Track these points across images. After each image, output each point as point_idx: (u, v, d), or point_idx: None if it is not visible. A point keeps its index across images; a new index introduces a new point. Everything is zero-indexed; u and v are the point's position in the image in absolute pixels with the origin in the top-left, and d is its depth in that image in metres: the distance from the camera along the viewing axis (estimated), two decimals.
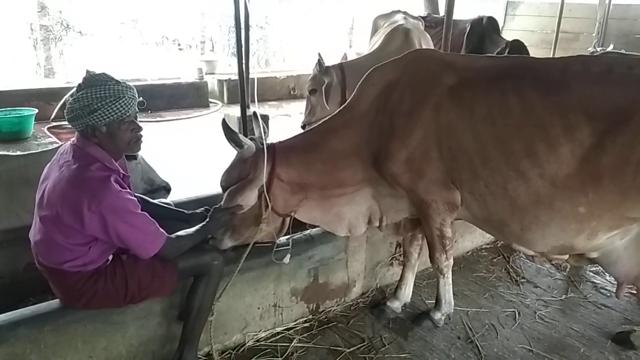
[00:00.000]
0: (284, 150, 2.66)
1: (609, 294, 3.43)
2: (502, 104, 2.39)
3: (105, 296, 2.19)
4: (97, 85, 2.03)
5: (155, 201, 2.63)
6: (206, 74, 9.49)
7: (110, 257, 2.23)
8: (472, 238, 3.99)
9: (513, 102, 2.37)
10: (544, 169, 2.29)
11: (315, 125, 2.93)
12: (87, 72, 2.09)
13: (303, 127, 4.82)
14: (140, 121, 2.23)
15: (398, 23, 5.52)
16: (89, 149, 2.09)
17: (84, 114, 2.02)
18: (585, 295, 3.43)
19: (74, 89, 2.08)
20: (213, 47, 11.30)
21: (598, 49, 7.88)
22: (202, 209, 2.62)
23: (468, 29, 7.14)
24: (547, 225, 2.40)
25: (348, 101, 2.80)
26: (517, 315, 3.17)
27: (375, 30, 6.14)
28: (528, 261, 3.86)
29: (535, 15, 11.62)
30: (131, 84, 2.17)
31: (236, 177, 2.58)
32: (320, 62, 4.82)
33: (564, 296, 3.42)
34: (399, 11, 6.07)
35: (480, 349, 2.85)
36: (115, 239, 2.07)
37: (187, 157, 5.77)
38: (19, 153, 3.19)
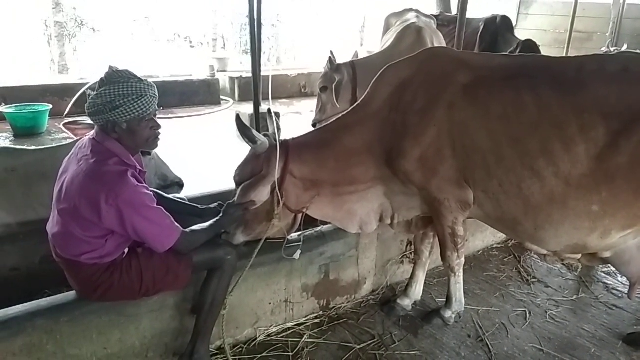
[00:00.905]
0: (297, 147, 2.67)
1: (620, 295, 3.42)
2: (517, 103, 2.39)
3: (121, 288, 2.22)
4: (120, 82, 2.06)
5: (169, 196, 2.66)
6: (218, 71, 9.53)
7: (126, 250, 2.26)
8: (483, 237, 3.99)
9: (528, 101, 2.36)
10: (558, 168, 2.29)
11: (329, 122, 2.94)
12: (110, 67, 2.12)
13: (314, 125, 4.84)
14: None
15: (410, 21, 5.52)
16: (108, 144, 2.12)
17: (106, 110, 2.05)
18: (596, 296, 3.42)
19: (96, 84, 2.11)
20: (224, 45, 11.36)
21: (612, 49, 7.82)
22: (215, 204, 2.64)
23: (481, 27, 7.11)
24: (560, 224, 2.40)
25: (362, 99, 2.80)
26: (527, 315, 3.17)
27: (387, 28, 6.14)
28: (539, 261, 3.85)
29: (548, 15, 11.55)
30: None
31: (249, 173, 2.60)
32: (331, 60, 4.83)
33: (575, 296, 3.40)
34: (411, 9, 6.06)
35: (490, 347, 2.85)
36: (132, 233, 2.10)
37: (199, 154, 5.81)
38: (35, 148, 3.23)
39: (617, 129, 2.20)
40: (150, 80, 2.18)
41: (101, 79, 2.09)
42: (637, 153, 2.17)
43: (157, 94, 2.16)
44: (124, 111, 2.05)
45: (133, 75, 2.11)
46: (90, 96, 2.08)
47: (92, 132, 2.18)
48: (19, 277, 2.86)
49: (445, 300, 3.03)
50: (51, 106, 6.81)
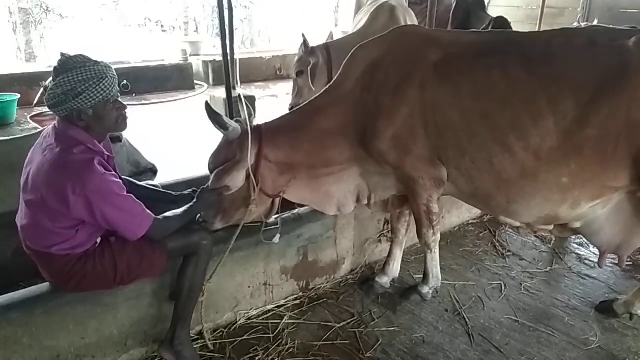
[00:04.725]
0: (271, 131, 2.65)
1: (592, 265, 3.51)
2: (487, 80, 2.40)
3: (95, 278, 2.19)
4: (76, 68, 1.99)
5: (142, 183, 2.63)
6: (190, 55, 9.35)
7: (99, 240, 2.23)
8: (458, 214, 4.04)
9: (498, 77, 2.38)
10: (528, 143, 2.32)
11: (302, 105, 2.93)
12: (62, 54, 2.03)
13: (291, 109, 4.81)
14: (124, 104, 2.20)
15: (383, 0, 5.47)
16: (71, 132, 2.06)
17: (69, 99, 1.98)
18: (569, 267, 3.51)
19: (52, 76, 2.04)
20: (197, 28, 11.16)
21: (582, 24, 7.88)
22: (189, 190, 2.62)
23: (454, 5, 7.08)
24: (532, 197, 2.44)
25: (334, 80, 2.79)
26: (503, 288, 3.24)
27: (359, 7, 6.07)
28: (514, 235, 3.93)
29: None
30: (114, 66, 2.14)
31: (223, 159, 2.57)
32: (305, 43, 4.79)
33: (548, 268, 3.49)
34: None
35: (467, 320, 2.91)
36: (102, 222, 2.06)
37: (173, 140, 5.73)
38: (1, 139, 3.15)
39: (585, 102, 2.23)
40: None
41: (55, 68, 2.01)
42: (605, 125, 2.21)
43: (115, 74, 2.10)
44: (88, 96, 1.99)
45: (88, 59, 2.04)
46: (49, 87, 2.01)
47: (55, 122, 2.12)
48: None
49: (422, 276, 3.08)
50: (19, 96, 6.64)
